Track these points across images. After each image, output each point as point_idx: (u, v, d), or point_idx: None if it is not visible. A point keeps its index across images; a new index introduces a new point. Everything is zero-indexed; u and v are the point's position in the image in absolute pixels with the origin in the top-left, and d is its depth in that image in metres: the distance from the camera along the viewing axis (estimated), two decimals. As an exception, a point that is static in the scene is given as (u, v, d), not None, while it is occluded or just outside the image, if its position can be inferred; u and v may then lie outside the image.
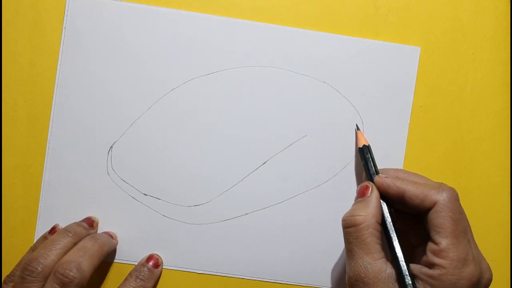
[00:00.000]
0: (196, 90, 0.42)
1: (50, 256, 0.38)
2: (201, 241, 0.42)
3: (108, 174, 0.42)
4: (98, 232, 0.42)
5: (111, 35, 0.42)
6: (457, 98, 0.44)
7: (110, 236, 0.42)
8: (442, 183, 0.36)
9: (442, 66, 0.44)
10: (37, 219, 0.42)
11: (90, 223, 0.41)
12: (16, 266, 0.39)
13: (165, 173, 0.42)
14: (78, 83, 0.42)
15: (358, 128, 0.42)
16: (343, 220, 0.36)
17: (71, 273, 0.36)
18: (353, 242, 0.35)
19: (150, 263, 0.41)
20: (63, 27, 0.42)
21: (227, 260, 0.42)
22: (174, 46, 0.42)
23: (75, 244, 0.40)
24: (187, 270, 0.43)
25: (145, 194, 0.43)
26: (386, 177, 0.37)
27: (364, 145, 0.41)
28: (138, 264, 0.42)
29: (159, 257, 0.42)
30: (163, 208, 0.42)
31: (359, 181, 0.43)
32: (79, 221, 0.41)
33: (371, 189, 0.37)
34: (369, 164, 0.39)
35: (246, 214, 0.43)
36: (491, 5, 0.44)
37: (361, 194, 0.37)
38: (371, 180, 0.38)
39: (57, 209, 0.42)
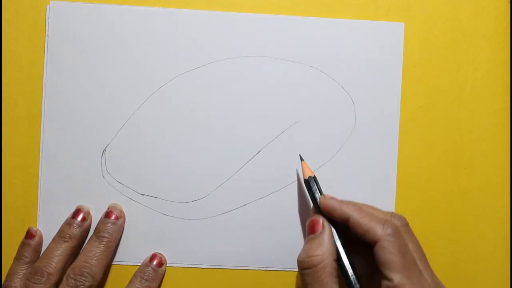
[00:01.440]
0: (184, 86, 0.42)
1: (52, 264, 0.39)
2: (202, 236, 0.42)
3: (104, 177, 0.42)
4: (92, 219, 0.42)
5: (94, 38, 0.42)
6: (457, 98, 0.44)
7: (116, 218, 0.41)
8: (392, 214, 0.36)
9: (441, 66, 0.44)
10: (37, 220, 0.42)
11: (82, 218, 0.41)
12: (7, 277, 0.40)
13: (161, 171, 0.42)
14: (66, 89, 0.42)
15: (302, 159, 0.41)
16: (299, 262, 0.35)
17: (83, 277, 0.38)
18: (310, 283, 0.34)
19: (154, 263, 0.41)
20: (46, 34, 0.42)
21: (230, 253, 0.42)
22: (158, 44, 0.42)
23: (74, 247, 0.40)
24: (190, 266, 0.43)
25: (142, 194, 0.43)
26: (332, 198, 0.37)
27: (309, 177, 0.39)
28: (141, 264, 0.42)
29: (162, 255, 0.42)
30: (161, 206, 0.42)
31: (355, 164, 0.43)
32: (70, 218, 0.41)
33: (322, 224, 0.36)
34: (316, 196, 0.38)
35: (244, 205, 0.43)
36: (491, 5, 0.44)
37: (312, 229, 0.37)
38: (320, 212, 0.37)
39: (56, 213, 0.42)
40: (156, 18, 0.42)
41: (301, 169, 0.41)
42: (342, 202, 0.36)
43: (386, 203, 0.43)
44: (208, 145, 0.43)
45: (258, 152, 0.43)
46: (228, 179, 0.43)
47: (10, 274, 0.40)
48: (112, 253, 0.41)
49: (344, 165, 0.43)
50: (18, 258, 0.40)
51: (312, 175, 0.39)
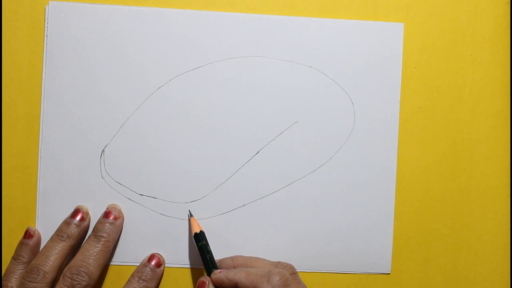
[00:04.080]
0: (183, 87, 0.43)
1: (48, 262, 0.39)
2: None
3: (103, 177, 0.42)
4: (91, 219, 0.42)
5: (93, 39, 0.42)
6: (456, 99, 0.44)
7: (114, 218, 0.41)
8: (278, 263, 0.40)
9: (441, 67, 0.44)
10: (36, 220, 0.42)
11: (81, 218, 0.41)
12: (4, 276, 0.40)
13: (159, 171, 0.42)
14: (65, 89, 0.42)
15: (191, 215, 0.42)
16: None
17: (80, 276, 0.38)
18: None
19: (152, 263, 0.41)
20: (45, 35, 0.42)
21: (228, 253, 0.42)
22: (157, 44, 0.42)
23: (71, 246, 0.40)
24: (189, 266, 0.43)
25: (141, 195, 0.43)
26: (220, 271, 0.39)
27: (195, 233, 0.41)
28: (140, 264, 0.42)
29: (161, 256, 0.42)
30: (160, 207, 0.42)
31: (355, 164, 0.43)
32: (69, 218, 0.41)
33: (207, 284, 0.38)
34: (203, 257, 0.40)
35: (243, 205, 0.43)
36: (490, 6, 0.44)
37: None
38: (209, 271, 0.40)
39: (55, 214, 0.42)
40: (155, 18, 0.42)
41: (189, 225, 0.42)
42: (229, 271, 0.38)
43: (386, 203, 0.43)
44: (207, 145, 0.43)
45: (257, 153, 0.43)
46: (227, 179, 0.43)
47: (7, 273, 0.40)
48: (109, 253, 0.41)
49: (343, 166, 0.43)
50: (15, 257, 0.40)
51: (198, 231, 0.41)
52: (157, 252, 0.42)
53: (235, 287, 0.37)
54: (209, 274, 0.39)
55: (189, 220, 0.42)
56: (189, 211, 0.42)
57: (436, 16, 0.44)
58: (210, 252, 0.40)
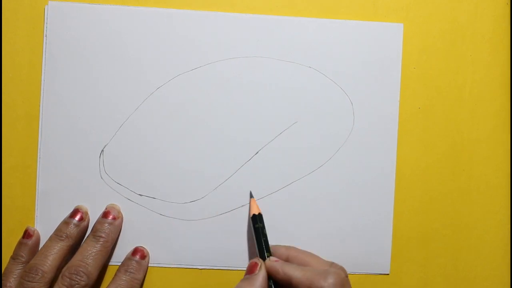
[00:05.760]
0: (182, 87, 0.43)
1: (47, 262, 0.39)
2: (200, 237, 0.42)
3: (102, 177, 0.42)
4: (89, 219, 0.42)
5: (92, 39, 0.42)
6: (456, 99, 0.44)
7: (113, 219, 0.41)
8: (332, 263, 0.38)
9: (440, 67, 0.44)
10: (35, 220, 0.42)
11: (80, 218, 0.41)
12: (2, 276, 0.40)
13: (159, 171, 0.42)
14: (64, 89, 0.42)
15: (252, 196, 0.42)
16: None
17: (78, 276, 0.38)
18: None
19: (137, 256, 0.41)
20: (44, 35, 0.42)
21: (228, 254, 0.42)
22: (156, 44, 0.42)
23: (70, 245, 0.40)
24: (188, 267, 0.43)
25: (140, 195, 0.42)
26: (276, 260, 0.38)
27: (254, 214, 0.40)
28: (124, 259, 0.42)
29: (145, 248, 0.42)
30: (160, 207, 0.42)
31: (354, 165, 0.43)
32: (68, 217, 0.41)
33: (259, 267, 0.37)
34: (258, 239, 0.39)
35: (242, 206, 0.43)
36: (490, 7, 0.44)
37: (249, 271, 0.38)
38: (262, 255, 0.39)
39: (54, 214, 0.42)
40: (155, 18, 0.42)
41: (249, 206, 0.42)
42: (285, 264, 0.37)
43: (385, 203, 0.43)
44: (206, 146, 0.43)
45: (257, 153, 0.43)
46: (227, 179, 0.43)
47: (6, 273, 0.40)
48: (108, 253, 0.41)
49: (343, 166, 0.43)
50: (14, 257, 0.40)
51: (257, 213, 0.41)
52: (156, 251, 0.42)
53: (288, 281, 0.36)
54: (262, 258, 0.39)
55: (250, 200, 0.42)
56: (250, 192, 0.42)
57: (436, 16, 0.44)
58: (265, 236, 0.40)
